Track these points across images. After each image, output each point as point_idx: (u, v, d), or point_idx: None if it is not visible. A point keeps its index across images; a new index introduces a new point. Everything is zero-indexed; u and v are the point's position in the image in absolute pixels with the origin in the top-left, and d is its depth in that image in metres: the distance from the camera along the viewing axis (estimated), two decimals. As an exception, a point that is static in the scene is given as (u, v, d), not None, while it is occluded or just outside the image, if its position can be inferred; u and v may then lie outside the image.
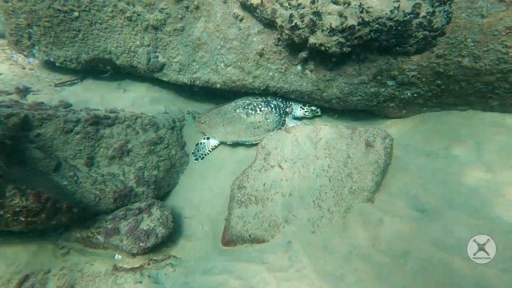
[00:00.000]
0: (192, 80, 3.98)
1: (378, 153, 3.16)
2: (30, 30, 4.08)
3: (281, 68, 3.60)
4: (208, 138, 4.15)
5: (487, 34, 2.79)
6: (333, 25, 2.89)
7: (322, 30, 2.96)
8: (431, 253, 2.40)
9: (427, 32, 2.90)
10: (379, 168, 3.08)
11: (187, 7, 3.61)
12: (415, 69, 3.18)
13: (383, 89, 3.45)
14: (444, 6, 2.84)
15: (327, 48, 3.02)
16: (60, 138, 3.05)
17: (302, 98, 3.90)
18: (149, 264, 2.78)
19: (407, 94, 3.44)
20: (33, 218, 2.37)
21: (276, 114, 4.04)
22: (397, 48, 3.07)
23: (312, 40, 3.03)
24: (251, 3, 3.25)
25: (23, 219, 2.32)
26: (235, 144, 4.09)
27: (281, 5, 3.12)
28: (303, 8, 3.01)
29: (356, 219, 2.79)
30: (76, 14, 3.83)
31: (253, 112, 4.01)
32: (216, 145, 4.13)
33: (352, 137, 3.30)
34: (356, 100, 3.62)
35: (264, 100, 4.11)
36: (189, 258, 2.93)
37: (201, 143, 4.15)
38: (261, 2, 3.17)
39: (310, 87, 3.63)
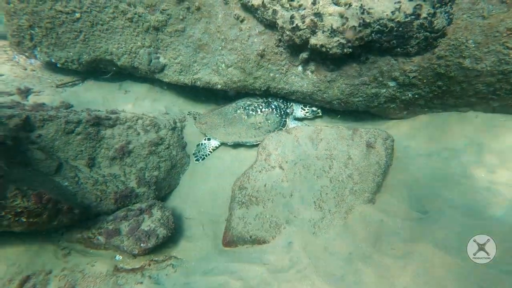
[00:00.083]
0: (193, 81, 3.99)
1: (379, 154, 3.16)
2: (32, 31, 4.10)
3: (282, 69, 3.60)
4: (209, 139, 4.15)
5: (488, 36, 2.79)
6: (334, 26, 2.90)
7: (323, 31, 2.96)
8: (432, 254, 2.40)
9: (428, 33, 2.90)
10: (380, 169, 3.08)
11: (188, 8, 3.62)
12: (416, 70, 3.18)
13: (384, 90, 3.45)
14: (445, 7, 2.84)
15: (328, 49, 3.03)
16: (61, 139, 3.06)
17: (303, 99, 3.90)
18: (150, 264, 2.79)
19: (408, 95, 3.44)
20: (35, 219, 2.37)
21: (277, 115, 4.05)
22: (398, 49, 3.07)
23: (313, 41, 3.03)
24: (252, 4, 3.25)
25: (24, 220, 2.32)
26: (236, 145, 4.09)
27: (282, 6, 3.13)
28: (304, 9, 3.02)
29: (357, 220, 2.79)
30: (77, 15, 3.84)
31: (254, 113, 4.01)
32: (217, 146, 4.13)
33: (353, 138, 3.30)
34: (357, 101, 3.62)
35: (265, 101, 4.11)
36: (190, 259, 2.93)
37: (202, 143, 4.16)
38: (262, 3, 3.18)
39: (311, 88, 3.64)
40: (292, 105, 4.22)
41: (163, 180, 3.64)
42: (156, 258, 2.86)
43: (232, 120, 4.05)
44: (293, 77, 3.63)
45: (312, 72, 3.52)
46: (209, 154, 4.10)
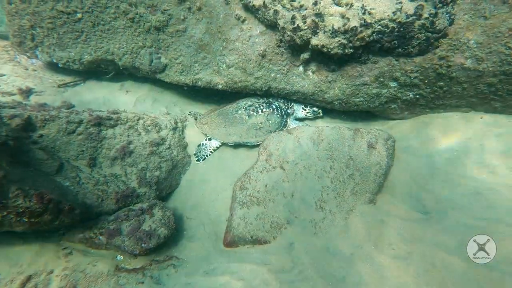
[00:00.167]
0: (194, 81, 3.99)
1: (380, 154, 3.16)
2: (33, 32, 4.11)
3: (283, 69, 3.60)
4: (209, 139, 4.15)
5: (490, 36, 2.79)
6: (335, 27, 2.90)
7: (324, 32, 2.96)
8: (434, 255, 2.40)
9: (429, 34, 2.89)
10: (381, 170, 3.08)
11: (189, 9, 3.62)
12: (417, 70, 3.18)
13: (385, 91, 3.45)
14: (447, 8, 2.83)
15: (329, 50, 3.03)
16: (62, 139, 3.07)
17: (304, 99, 3.90)
18: (151, 264, 2.79)
19: (409, 95, 3.44)
20: (36, 219, 2.37)
21: (278, 115, 4.05)
22: (399, 49, 3.07)
23: (314, 41, 3.03)
24: (253, 5, 3.25)
25: (26, 220, 2.33)
26: (237, 145, 4.09)
27: (283, 6, 3.13)
28: (305, 9, 3.02)
29: (358, 221, 2.79)
30: (79, 15, 3.85)
31: (254, 113, 4.01)
32: (218, 146, 4.13)
33: (354, 138, 3.30)
34: (358, 101, 3.62)
35: (266, 101, 4.11)
36: (191, 259, 2.93)
37: (203, 144, 4.16)
38: (264, 3, 3.18)
39: (312, 88, 3.63)
40: (293, 105, 4.22)
41: (164, 180, 3.64)
42: (157, 258, 2.86)
43: (233, 120, 4.05)
44: (294, 77, 3.63)
45: (313, 72, 3.52)
46: (210, 155, 4.10)
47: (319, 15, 2.95)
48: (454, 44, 2.94)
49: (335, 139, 3.32)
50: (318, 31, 2.98)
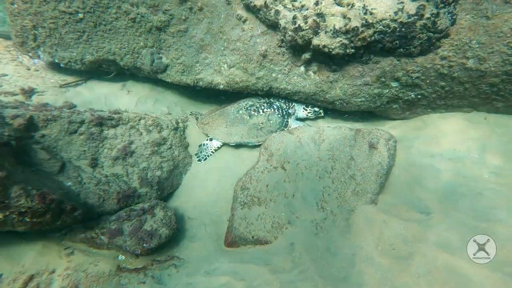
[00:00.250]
0: (195, 81, 4.00)
1: (382, 154, 3.15)
2: (36, 32, 4.12)
3: (284, 69, 3.60)
4: (211, 139, 4.16)
5: (492, 36, 2.78)
6: (337, 27, 2.89)
7: (326, 32, 2.96)
8: (435, 256, 2.39)
9: (431, 34, 2.88)
10: (383, 170, 3.07)
11: (190, 9, 3.63)
12: (419, 70, 3.17)
13: (387, 91, 3.44)
14: (449, 8, 2.83)
15: (331, 50, 3.02)
16: (64, 139, 3.08)
17: (305, 100, 3.90)
18: (152, 264, 2.80)
19: (410, 95, 3.43)
20: (38, 219, 2.39)
21: (279, 115, 4.05)
22: (401, 49, 3.06)
23: (315, 41, 3.03)
24: (254, 5, 3.25)
25: (28, 219, 2.34)
26: (238, 145, 4.09)
27: (284, 6, 3.13)
28: (307, 9, 3.02)
29: (360, 221, 2.78)
30: (80, 15, 3.86)
31: (256, 114, 4.01)
32: (219, 146, 4.14)
33: (356, 138, 3.30)
34: (360, 101, 3.61)
35: (267, 101, 4.11)
36: (192, 259, 2.94)
37: (204, 144, 4.16)
38: (265, 3, 3.18)
39: (313, 89, 3.63)
40: (294, 105, 4.22)
41: (166, 180, 3.65)
42: (159, 258, 2.87)
43: (234, 120, 4.05)
44: (295, 77, 3.63)
45: (314, 72, 3.52)
46: (211, 155, 4.11)
47: (320, 15, 2.95)
48: (456, 44, 2.93)
49: (337, 139, 3.32)
50: (319, 31, 2.98)
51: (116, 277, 2.62)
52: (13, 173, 2.37)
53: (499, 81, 2.95)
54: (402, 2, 2.84)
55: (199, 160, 4.06)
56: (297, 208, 2.96)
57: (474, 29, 2.83)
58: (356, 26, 2.86)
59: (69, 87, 4.50)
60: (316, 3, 2.96)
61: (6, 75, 4.27)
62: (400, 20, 2.84)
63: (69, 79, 4.61)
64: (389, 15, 2.84)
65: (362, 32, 2.89)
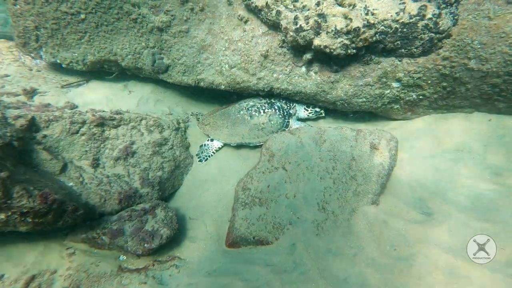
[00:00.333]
0: (196, 82, 4.00)
1: (383, 155, 3.15)
2: (38, 32, 4.14)
3: (286, 70, 3.60)
4: (212, 140, 4.16)
5: (494, 36, 2.77)
6: (338, 27, 2.89)
7: (327, 32, 2.96)
8: (437, 256, 2.39)
9: (433, 34, 2.88)
10: (384, 171, 3.07)
11: (192, 9, 3.63)
12: (421, 71, 3.17)
13: (388, 91, 3.44)
14: (451, 8, 2.82)
15: (332, 50, 3.02)
16: (66, 140, 3.09)
17: (307, 100, 3.90)
18: (153, 265, 2.80)
19: (412, 96, 3.42)
20: (40, 219, 2.39)
21: (280, 116, 4.05)
22: (403, 50, 3.06)
23: (316, 42, 3.03)
24: (256, 5, 3.26)
25: (30, 220, 2.35)
26: (239, 146, 4.09)
27: (286, 7, 3.13)
28: (308, 10, 3.02)
29: (361, 222, 2.78)
30: (82, 16, 3.87)
31: (257, 114, 4.01)
32: (220, 146, 4.14)
33: (357, 139, 3.29)
34: (361, 102, 3.61)
35: (268, 101, 4.11)
36: (193, 259, 2.94)
37: (205, 144, 4.17)
38: (266, 4, 3.18)
39: (314, 89, 3.63)
40: (295, 105, 4.21)
41: (167, 181, 3.65)
42: (160, 259, 2.87)
43: (235, 121, 4.05)
44: (296, 78, 3.63)
45: (315, 73, 3.52)
46: (212, 155, 4.11)
47: (321, 15, 2.95)
48: (458, 45, 2.92)
49: (338, 140, 3.31)
50: (320, 31, 2.98)
51: (118, 278, 2.62)
52: (15, 173, 2.38)
53: (501, 81, 2.95)
54: (403, 3, 2.83)
55: (200, 161, 4.07)
56: (298, 208, 2.96)
57: (476, 30, 2.82)
58: (358, 27, 2.85)
59: (70, 87, 4.52)
60: (318, 4, 2.96)
61: (9, 75, 4.29)
62: (401, 20, 2.84)
63: (71, 79, 4.63)
64: (391, 15, 2.84)
65: (364, 32, 2.89)
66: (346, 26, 2.87)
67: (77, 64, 4.33)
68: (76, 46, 4.15)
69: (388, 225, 2.70)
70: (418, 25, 2.84)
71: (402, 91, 3.40)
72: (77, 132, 3.14)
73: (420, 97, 3.41)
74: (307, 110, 4.19)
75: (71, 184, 2.91)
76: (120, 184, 3.19)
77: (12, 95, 3.85)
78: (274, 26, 3.38)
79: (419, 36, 2.91)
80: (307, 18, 2.99)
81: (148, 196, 3.32)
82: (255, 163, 3.46)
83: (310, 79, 3.58)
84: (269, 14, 3.22)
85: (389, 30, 2.90)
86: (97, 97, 4.45)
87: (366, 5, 2.90)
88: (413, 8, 2.81)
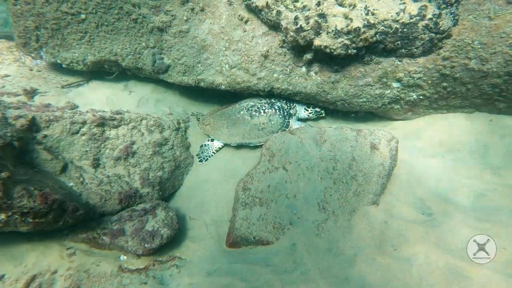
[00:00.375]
0: (197, 82, 4.00)
1: (383, 155, 3.14)
2: (38, 33, 4.14)
3: (286, 70, 3.60)
4: (212, 140, 4.16)
5: (495, 36, 2.77)
6: (338, 27, 2.89)
7: (327, 32, 2.96)
8: (437, 257, 2.39)
9: (433, 34, 2.88)
10: (384, 171, 3.06)
11: (192, 9, 3.63)
12: (421, 71, 3.17)
13: (388, 91, 3.44)
14: (451, 8, 2.82)
15: (332, 50, 3.02)
16: (66, 140, 3.09)
17: (307, 100, 3.90)
18: (154, 265, 2.80)
19: (412, 96, 3.43)
20: (41, 219, 2.39)
21: (280, 116, 4.05)
22: (403, 50, 3.06)
23: (317, 42, 3.03)
24: (256, 5, 3.26)
25: (30, 220, 2.35)
26: (240, 146, 4.09)
27: (286, 7, 3.13)
28: (308, 10, 3.02)
29: (361, 222, 2.78)
30: (83, 16, 3.87)
31: (257, 114, 4.01)
32: (220, 147, 4.14)
33: (357, 139, 3.29)
34: (361, 102, 3.61)
35: (268, 101, 4.11)
36: (193, 260, 2.94)
37: (205, 144, 4.17)
38: (266, 4, 3.18)
39: (314, 89, 3.63)
40: (295, 105, 4.22)
41: (167, 181, 3.65)
42: (160, 259, 2.87)
43: (235, 121, 4.05)
44: (297, 78, 3.63)
45: (316, 73, 3.52)
46: (212, 155, 4.11)
47: (322, 15, 2.95)
48: (458, 45, 2.92)
49: (338, 140, 3.31)
50: (321, 31, 2.98)
51: (118, 278, 2.62)
52: (16, 173, 2.38)
53: (501, 82, 2.95)
54: (404, 3, 2.84)
55: (200, 161, 4.07)
56: (298, 208, 2.96)
57: (477, 30, 2.82)
58: (358, 27, 2.85)
59: (71, 87, 4.52)
60: (318, 4, 2.96)
61: (9, 75, 4.29)
62: (402, 20, 2.84)
63: (71, 79, 4.63)
64: (391, 15, 2.84)
65: (364, 32, 2.89)
66: (347, 26, 2.87)
67: (78, 64, 4.33)
68: (77, 46, 4.16)
69: (388, 225, 2.70)
70: (419, 25, 2.84)
71: (403, 91, 3.40)
72: (77, 132, 3.14)
73: (421, 97, 3.41)
74: (308, 110, 4.19)
75: (71, 184, 2.91)
76: (121, 184, 3.19)
77: (13, 95, 3.85)
78: (275, 26, 3.38)
79: (420, 36, 2.91)
80: (307, 18, 3.00)
81: (149, 196, 3.32)
82: (255, 163, 3.46)
83: (310, 79, 3.58)
84: (269, 14, 3.22)
85: (389, 30, 2.91)
86: (97, 97, 4.45)
87: (366, 5, 2.90)
88: (413, 8, 2.81)
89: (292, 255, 2.67)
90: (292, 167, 3.22)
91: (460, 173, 3.01)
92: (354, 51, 3.02)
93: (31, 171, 2.69)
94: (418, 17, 2.81)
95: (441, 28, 2.83)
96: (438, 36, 2.89)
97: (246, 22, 3.51)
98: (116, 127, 3.45)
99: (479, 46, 2.85)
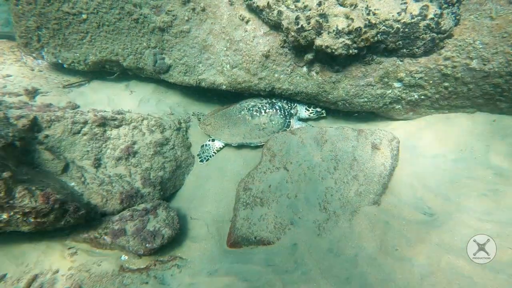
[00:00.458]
0: (198, 82, 4.00)
1: (384, 155, 3.14)
2: (39, 33, 4.15)
3: (287, 70, 3.60)
4: (213, 140, 4.16)
5: (496, 36, 2.77)
6: (340, 27, 2.89)
7: (329, 32, 2.95)
8: (439, 257, 2.38)
9: (434, 34, 2.88)
10: (385, 171, 3.06)
11: (193, 9, 3.63)
12: (422, 71, 3.16)
13: (390, 91, 3.44)
14: (452, 8, 2.82)
15: (333, 50, 3.02)
16: (68, 140, 3.09)
17: (308, 100, 3.90)
18: (155, 265, 2.80)
19: (413, 96, 3.42)
20: (42, 219, 2.40)
21: (281, 116, 4.05)
22: (404, 50, 3.06)
23: (318, 42, 3.03)
24: (257, 5, 3.26)
25: (32, 220, 2.35)
26: (240, 146, 4.09)
27: (287, 7, 3.13)
28: (310, 10, 3.01)
29: (362, 222, 2.78)
30: (84, 16, 3.88)
31: (258, 114, 4.01)
32: (221, 147, 4.14)
33: (358, 139, 3.29)
34: (362, 102, 3.60)
35: (269, 101, 4.11)
36: (194, 259, 2.94)
37: (206, 144, 4.17)
38: (268, 4, 3.18)
39: (315, 89, 3.63)
40: (296, 105, 4.22)
41: (168, 181, 3.66)
42: (161, 259, 2.88)
43: (236, 121, 4.05)
44: (298, 78, 3.63)
45: (317, 73, 3.52)
46: (213, 155, 4.11)
47: (323, 15, 2.94)
48: (460, 45, 2.92)
49: (339, 140, 3.31)
50: (322, 31, 2.98)
51: (119, 277, 2.63)
52: (17, 173, 2.39)
53: (503, 81, 2.94)
54: (405, 3, 2.83)
55: (201, 161, 4.07)
56: (299, 208, 2.96)
57: (478, 30, 2.82)
58: (359, 27, 2.85)
59: (72, 87, 4.53)
60: (319, 4, 2.96)
61: (10, 75, 4.30)
62: (403, 20, 2.84)
63: (73, 79, 4.64)
64: (392, 15, 2.84)
65: (365, 32, 2.88)
66: (348, 26, 2.87)
67: (79, 64, 4.34)
68: (78, 46, 4.16)
69: (389, 225, 2.69)
70: (420, 25, 2.84)
71: (404, 91, 3.40)
72: (78, 132, 3.15)
73: (422, 97, 3.41)
74: (308, 110, 4.19)
75: (73, 184, 2.92)
76: (122, 184, 3.20)
77: (14, 95, 3.85)
78: (276, 26, 3.38)
79: (421, 36, 2.90)
80: (308, 18, 2.99)
81: (150, 196, 3.33)
82: (256, 163, 3.46)
83: (311, 79, 3.58)
84: (270, 14, 3.22)
85: (390, 30, 2.90)
86: (98, 97, 4.46)
87: (367, 5, 2.89)
88: (414, 8, 2.81)
89: (293, 255, 2.67)
90: (293, 167, 3.22)
91: (461, 173, 3.00)
92: (355, 51, 3.02)
93: (32, 171, 2.70)
94: (419, 17, 2.81)
95: (442, 28, 2.83)
96: (439, 36, 2.88)
97: (247, 22, 3.51)
98: (117, 127, 3.46)
99: (481, 46, 2.85)
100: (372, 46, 3.05)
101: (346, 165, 3.13)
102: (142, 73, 4.37)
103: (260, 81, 3.74)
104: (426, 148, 3.36)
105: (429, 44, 2.95)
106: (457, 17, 2.84)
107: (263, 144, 3.79)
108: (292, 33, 3.11)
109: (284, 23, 3.13)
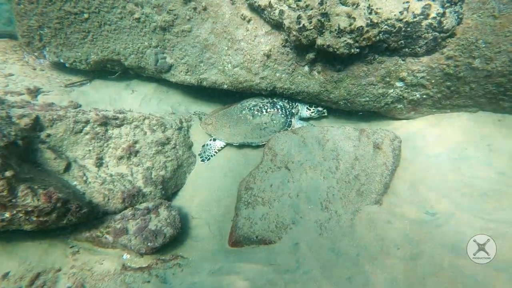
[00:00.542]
0: (199, 81, 4.00)
1: (386, 155, 3.14)
2: (41, 32, 4.15)
3: (288, 69, 3.60)
4: (214, 140, 4.16)
5: (499, 35, 2.75)
6: (341, 26, 2.88)
7: (330, 32, 2.95)
8: (442, 256, 2.38)
9: (437, 33, 2.87)
10: (387, 170, 3.06)
11: (195, 8, 3.63)
12: (424, 70, 3.15)
13: (391, 91, 3.43)
14: (455, 7, 2.80)
15: (335, 50, 3.01)
16: (70, 139, 3.10)
17: (309, 99, 3.89)
18: (157, 264, 2.81)
19: (415, 95, 3.41)
20: (44, 218, 2.40)
21: (282, 115, 4.04)
22: (406, 49, 3.05)
23: (320, 41, 3.02)
24: (259, 5, 3.25)
25: (34, 218, 2.36)
26: (242, 146, 4.09)
27: (289, 6, 3.13)
28: (311, 9, 3.01)
29: (364, 221, 2.78)
30: (86, 15, 3.89)
31: (259, 114, 4.01)
32: (223, 146, 4.14)
33: (360, 138, 3.28)
34: (364, 101, 3.60)
35: (270, 101, 4.11)
36: (196, 258, 2.95)
37: (207, 144, 4.17)
38: (269, 3, 3.17)
39: (317, 88, 3.62)
40: (297, 105, 4.21)
41: (170, 180, 3.66)
42: (163, 257, 2.88)
43: (237, 120, 4.05)
44: (299, 77, 3.62)
45: (318, 72, 3.51)
46: (214, 155, 4.11)
47: (325, 15, 2.94)
48: (462, 44, 2.91)
49: (341, 139, 3.31)
50: (324, 31, 2.97)
51: (121, 276, 2.63)
52: (20, 172, 2.40)
53: (506, 81, 2.93)
54: (407, 2, 2.82)
55: (203, 161, 4.07)
56: (301, 208, 2.95)
57: (481, 29, 2.81)
58: (361, 26, 2.84)
59: (74, 86, 4.53)
60: (321, 3, 2.95)
61: (12, 74, 4.31)
62: (405, 19, 2.83)
63: (74, 78, 4.64)
64: (394, 14, 2.83)
65: (367, 31, 2.88)
66: (350, 25, 2.86)
67: (81, 64, 4.35)
68: (80, 45, 4.17)
69: (391, 225, 2.69)
70: (422, 24, 2.83)
71: (406, 90, 3.39)
72: (80, 131, 3.16)
73: (424, 96, 3.40)
74: (310, 110, 4.18)
75: (74, 183, 2.92)
76: (124, 183, 3.20)
77: (16, 94, 3.86)
78: (277, 26, 3.37)
79: (423, 35, 2.89)
80: (310, 18, 2.99)
81: (151, 195, 3.33)
82: (257, 162, 3.46)
83: (313, 79, 3.57)
84: (272, 13, 3.21)
85: (392, 29, 2.89)
86: (100, 96, 4.47)
87: (369, 4, 2.88)
88: (417, 7, 2.80)
89: (294, 254, 2.67)
90: (294, 167, 3.22)
91: (463, 173, 3.00)
92: (357, 50, 3.01)
93: (35, 170, 2.70)
94: (421, 16, 2.80)
95: (445, 27, 2.81)
96: (442, 35, 2.87)
97: (248, 21, 3.50)
98: (119, 126, 3.46)
99: (484, 45, 2.83)
100: (374, 45, 3.05)
101: (348, 165, 3.13)
102: (143, 72, 4.37)
103: (262, 80, 3.74)
104: (428, 147, 3.35)
105: (432, 43, 2.94)
106: (460, 16, 2.83)
107: (264, 144, 3.79)
108: (294, 33, 3.10)
109: (286, 22, 3.12)
